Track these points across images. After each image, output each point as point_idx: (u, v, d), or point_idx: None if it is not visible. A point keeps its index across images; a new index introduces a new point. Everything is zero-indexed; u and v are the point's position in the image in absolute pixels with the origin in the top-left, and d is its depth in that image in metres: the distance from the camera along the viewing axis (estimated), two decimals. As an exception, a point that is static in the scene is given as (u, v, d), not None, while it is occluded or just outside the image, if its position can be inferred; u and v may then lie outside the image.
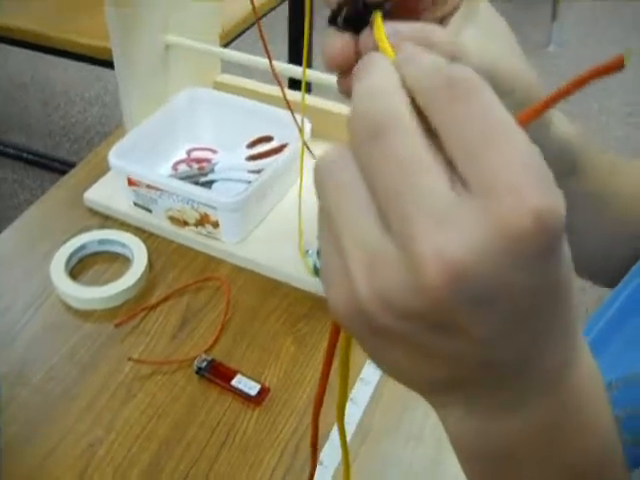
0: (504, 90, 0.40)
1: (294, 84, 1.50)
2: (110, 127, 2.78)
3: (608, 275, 0.59)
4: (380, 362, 0.33)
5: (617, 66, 0.31)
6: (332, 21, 0.42)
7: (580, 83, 0.32)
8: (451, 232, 0.27)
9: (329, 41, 0.41)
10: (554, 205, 0.27)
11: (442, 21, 0.45)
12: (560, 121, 0.51)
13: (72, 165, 2.09)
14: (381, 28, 0.38)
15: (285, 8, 2.14)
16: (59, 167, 2.28)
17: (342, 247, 0.30)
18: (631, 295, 0.51)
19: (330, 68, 0.42)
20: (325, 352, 0.38)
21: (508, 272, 0.27)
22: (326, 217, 0.31)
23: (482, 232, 0.27)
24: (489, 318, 0.29)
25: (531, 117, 0.32)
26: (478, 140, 0.28)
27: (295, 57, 1.99)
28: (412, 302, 0.28)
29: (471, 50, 0.42)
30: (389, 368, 0.33)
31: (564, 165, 0.50)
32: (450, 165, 0.29)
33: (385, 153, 0.29)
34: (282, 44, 2.21)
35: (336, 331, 0.37)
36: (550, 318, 0.31)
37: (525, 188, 0.26)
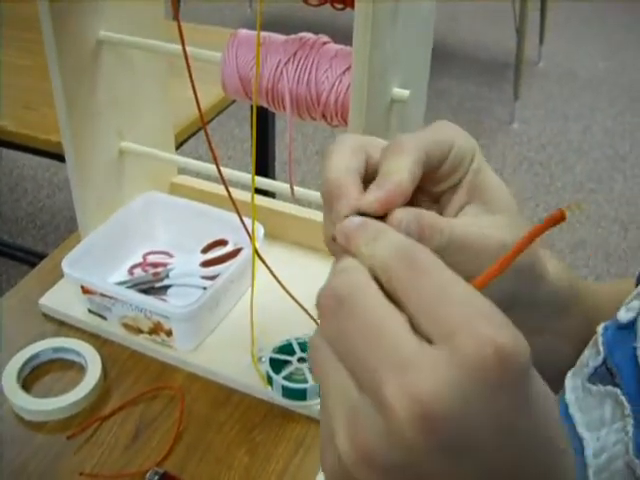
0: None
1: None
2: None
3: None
4: None
5: (559, 219, 0.34)
6: None
7: (529, 241, 0.35)
8: (417, 375, 0.29)
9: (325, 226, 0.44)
10: (513, 340, 0.29)
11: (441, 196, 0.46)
12: (553, 267, 0.51)
13: (37, 255, 2.09)
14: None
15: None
16: (24, 257, 2.27)
17: (328, 412, 0.33)
18: None
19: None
20: None
21: (476, 410, 0.29)
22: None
23: (447, 371, 0.29)
24: (465, 466, 0.30)
25: (485, 283, 0.35)
26: (435, 300, 0.31)
27: (263, 151, 1.99)
28: (390, 455, 0.29)
29: (468, 235, 0.42)
30: None
31: (558, 305, 0.51)
32: (412, 325, 0.31)
33: (348, 317, 0.32)
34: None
35: None
36: (529, 466, 0.32)
37: (481, 327, 0.29)
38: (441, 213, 0.45)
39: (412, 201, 0.42)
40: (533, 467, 0.32)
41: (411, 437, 0.28)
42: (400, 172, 0.40)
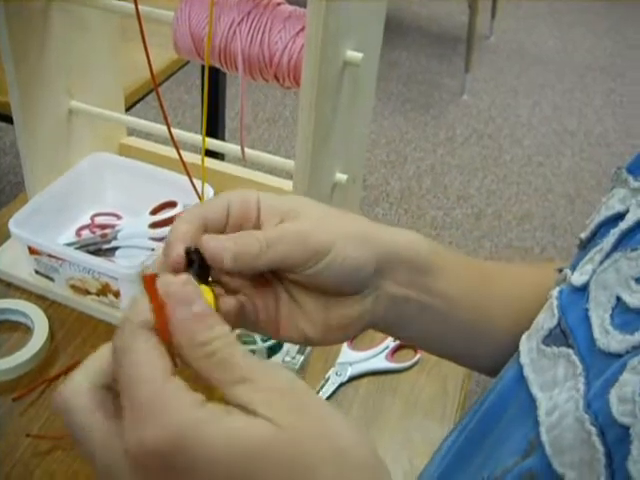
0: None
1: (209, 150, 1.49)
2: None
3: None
4: None
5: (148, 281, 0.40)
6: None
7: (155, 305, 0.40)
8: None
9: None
10: (139, 441, 0.36)
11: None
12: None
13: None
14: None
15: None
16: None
17: None
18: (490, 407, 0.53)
19: None
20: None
21: None
22: None
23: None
24: None
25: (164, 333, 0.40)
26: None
27: (213, 115, 1.97)
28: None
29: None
30: None
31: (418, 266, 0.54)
32: None
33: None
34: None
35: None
36: None
37: (140, 423, 0.36)
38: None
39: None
40: None
41: None
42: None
